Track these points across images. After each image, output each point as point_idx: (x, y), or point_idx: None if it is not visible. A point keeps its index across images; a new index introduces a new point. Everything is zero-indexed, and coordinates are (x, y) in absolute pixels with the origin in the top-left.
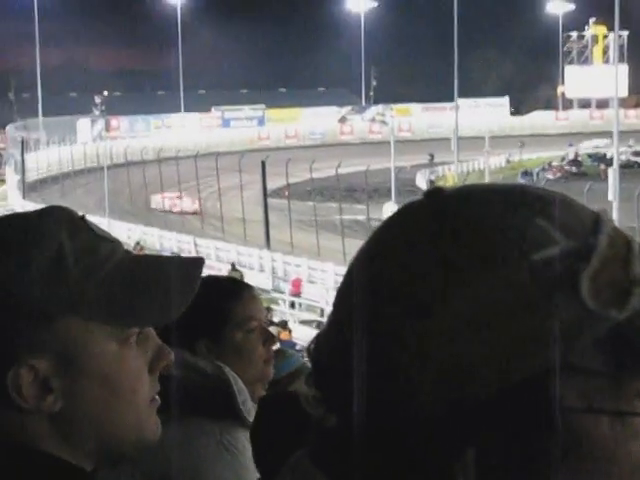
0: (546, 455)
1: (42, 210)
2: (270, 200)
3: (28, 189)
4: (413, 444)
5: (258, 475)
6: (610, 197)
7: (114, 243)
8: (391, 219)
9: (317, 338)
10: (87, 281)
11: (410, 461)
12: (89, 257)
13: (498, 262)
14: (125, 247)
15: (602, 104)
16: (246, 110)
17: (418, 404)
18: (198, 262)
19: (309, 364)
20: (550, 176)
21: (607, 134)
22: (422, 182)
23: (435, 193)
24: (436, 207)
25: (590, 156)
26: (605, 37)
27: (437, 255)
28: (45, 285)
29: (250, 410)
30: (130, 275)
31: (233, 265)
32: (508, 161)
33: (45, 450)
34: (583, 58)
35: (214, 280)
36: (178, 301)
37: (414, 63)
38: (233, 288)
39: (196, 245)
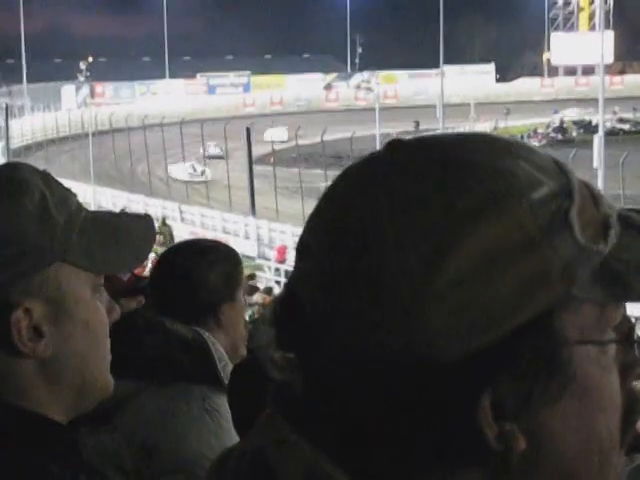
0: (550, 390)
1: (6, 164)
2: (255, 167)
3: (13, 155)
4: (422, 391)
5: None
6: (595, 164)
7: (76, 196)
8: (355, 173)
9: (282, 298)
10: (70, 229)
11: (417, 408)
12: (66, 206)
13: (500, 203)
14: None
15: (588, 71)
16: (231, 77)
17: (432, 350)
18: (148, 216)
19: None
20: (535, 143)
21: (593, 101)
22: None
23: (398, 145)
24: (412, 157)
25: (575, 123)
26: (591, 3)
27: (436, 202)
28: (39, 231)
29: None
30: (100, 225)
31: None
32: (496, 128)
33: (31, 409)
34: (569, 25)
35: (212, 245)
36: (142, 250)
37: (400, 30)
38: (235, 253)
39: (181, 212)
